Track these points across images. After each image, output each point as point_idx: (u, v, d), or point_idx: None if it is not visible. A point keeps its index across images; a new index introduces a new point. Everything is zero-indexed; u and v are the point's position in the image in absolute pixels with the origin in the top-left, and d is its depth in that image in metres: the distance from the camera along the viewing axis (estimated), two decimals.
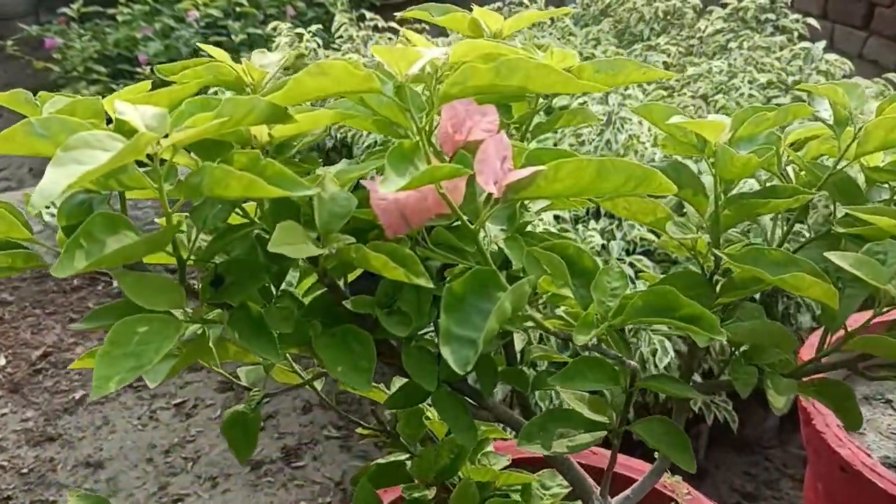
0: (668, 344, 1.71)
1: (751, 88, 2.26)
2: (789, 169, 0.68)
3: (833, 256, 0.55)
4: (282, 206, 0.53)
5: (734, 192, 0.62)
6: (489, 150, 0.50)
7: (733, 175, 0.58)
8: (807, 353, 0.79)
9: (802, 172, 0.67)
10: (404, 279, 0.49)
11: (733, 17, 2.75)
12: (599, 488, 0.66)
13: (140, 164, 0.44)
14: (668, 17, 2.90)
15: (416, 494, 0.68)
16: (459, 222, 0.51)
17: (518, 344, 0.70)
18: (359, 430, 0.76)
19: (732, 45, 2.59)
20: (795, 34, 2.69)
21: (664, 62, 2.53)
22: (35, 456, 2.13)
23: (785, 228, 0.66)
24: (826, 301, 0.55)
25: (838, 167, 0.63)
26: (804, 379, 0.63)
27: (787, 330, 0.58)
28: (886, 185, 0.65)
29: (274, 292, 0.56)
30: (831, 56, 2.37)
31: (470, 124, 0.54)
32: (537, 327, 0.54)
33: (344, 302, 0.58)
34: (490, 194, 0.51)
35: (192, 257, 0.49)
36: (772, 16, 2.76)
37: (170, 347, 0.45)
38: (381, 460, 0.71)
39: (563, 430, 0.59)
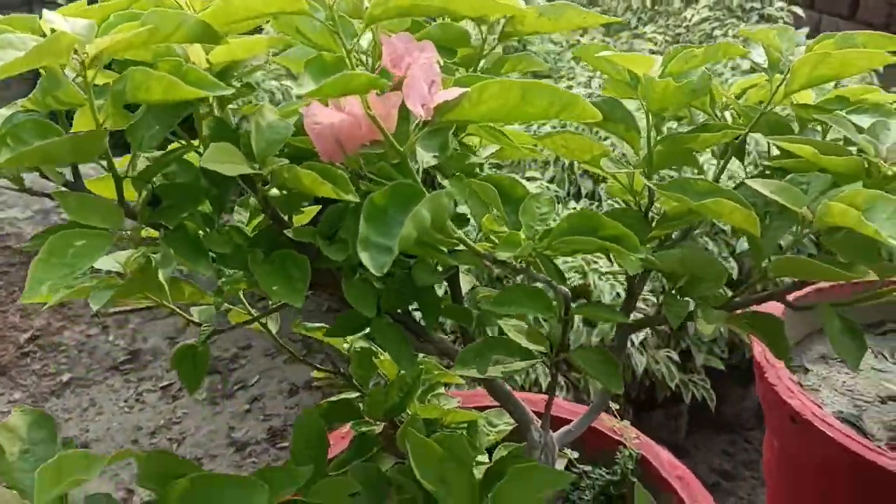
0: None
1: (733, 74, 2.28)
2: (727, 114, 0.70)
3: (754, 183, 0.56)
4: (221, 134, 0.55)
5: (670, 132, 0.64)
6: (416, 73, 0.52)
7: (659, 104, 0.59)
8: None
9: (740, 117, 0.69)
10: (332, 195, 0.50)
11: (719, 5, 2.77)
12: (540, 422, 0.67)
13: None
14: (655, 7, 2.92)
15: (364, 429, 0.69)
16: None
17: (465, 286, 0.72)
18: (314, 373, 0.78)
19: (718, 32, 2.62)
20: (780, 22, 2.71)
21: (650, 50, 2.56)
22: None
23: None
24: (747, 227, 0.57)
25: (769, 108, 0.65)
26: (737, 311, 0.65)
27: (716, 259, 0.60)
28: (819, 128, 0.67)
29: (216, 220, 0.58)
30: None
31: (409, 60, 0.55)
32: (469, 251, 0.55)
33: (286, 231, 0.59)
34: (420, 119, 0.52)
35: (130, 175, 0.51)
36: (757, 4, 2.78)
37: (101, 255, 0.47)
38: (332, 398, 0.73)
39: (499, 357, 0.61)
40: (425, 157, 0.56)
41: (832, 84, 0.70)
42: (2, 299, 2.61)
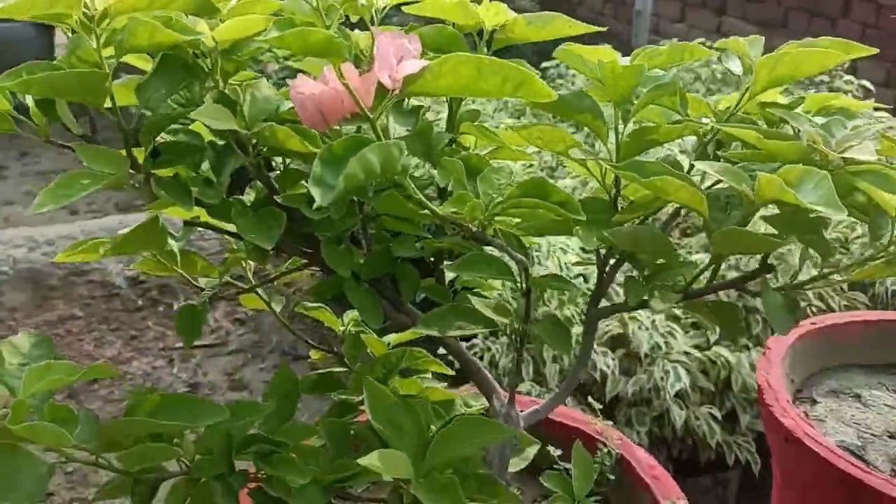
0: (681, 370, 1.72)
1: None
2: (705, 120, 0.74)
3: (701, 164, 0.60)
4: (222, 103, 0.63)
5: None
6: (384, 44, 0.58)
7: (619, 89, 0.64)
8: None
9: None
10: (302, 148, 0.57)
11: None
12: (508, 397, 0.71)
13: None
14: (724, 78, 2.96)
15: (343, 396, 0.74)
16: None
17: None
18: (311, 352, 0.83)
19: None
20: (849, 96, 2.71)
21: None
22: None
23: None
24: (694, 205, 0.60)
25: (738, 109, 0.69)
26: (698, 299, 0.68)
27: (668, 239, 0.63)
28: (788, 127, 0.70)
29: (213, 182, 0.65)
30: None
31: (400, 54, 0.62)
32: (434, 216, 0.60)
33: (276, 197, 0.66)
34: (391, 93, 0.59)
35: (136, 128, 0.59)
36: (826, 77, 2.79)
37: (96, 187, 0.54)
38: (321, 370, 0.78)
39: (462, 323, 0.65)
40: (398, 130, 0.62)
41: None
42: (80, 329, 2.77)
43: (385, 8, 0.71)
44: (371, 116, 0.59)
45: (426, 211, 0.61)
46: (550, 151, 0.71)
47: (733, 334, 0.65)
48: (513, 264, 0.65)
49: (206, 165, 0.65)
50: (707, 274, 0.66)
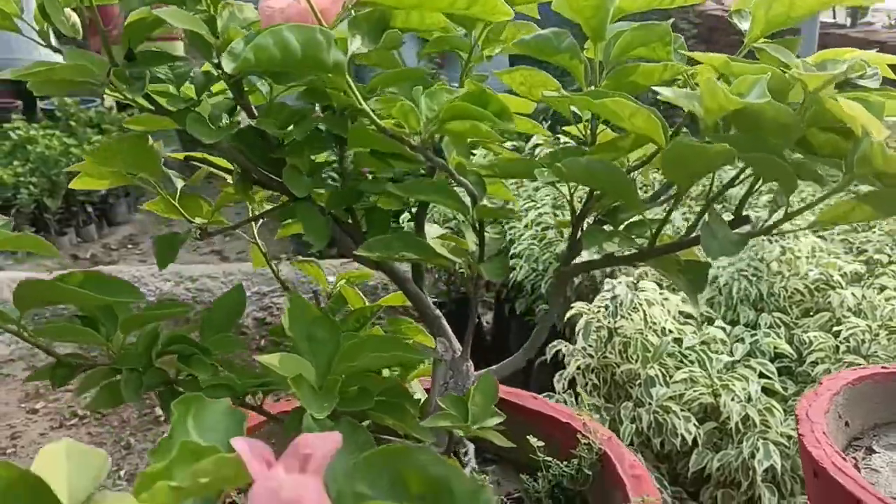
0: (772, 447, 1.55)
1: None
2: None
3: (660, 90, 0.56)
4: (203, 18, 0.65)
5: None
6: None
7: (587, 20, 0.61)
8: None
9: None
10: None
11: None
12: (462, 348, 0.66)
13: None
14: None
15: None
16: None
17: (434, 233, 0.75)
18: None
19: None
20: None
21: None
22: None
23: None
24: (649, 132, 0.55)
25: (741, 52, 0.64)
26: (670, 255, 0.61)
27: (623, 172, 0.58)
28: None
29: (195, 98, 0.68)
30: None
31: None
32: (376, 128, 0.59)
33: (251, 121, 0.68)
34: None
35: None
36: None
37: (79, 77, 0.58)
38: None
39: (406, 253, 0.62)
40: (354, 44, 0.62)
41: None
42: None
43: None
44: (326, 27, 0.59)
45: (372, 126, 0.60)
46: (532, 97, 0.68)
47: (697, 293, 0.58)
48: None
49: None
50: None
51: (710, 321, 1.88)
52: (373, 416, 0.56)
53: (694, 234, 0.60)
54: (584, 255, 0.65)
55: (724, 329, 1.83)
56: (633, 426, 1.64)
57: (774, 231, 0.55)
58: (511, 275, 2.42)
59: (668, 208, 0.60)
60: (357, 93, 0.58)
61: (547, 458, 0.76)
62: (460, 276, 2.76)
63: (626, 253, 0.63)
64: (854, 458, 0.88)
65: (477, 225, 0.63)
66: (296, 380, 0.52)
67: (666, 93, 0.55)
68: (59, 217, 3.72)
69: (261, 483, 0.34)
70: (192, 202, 0.80)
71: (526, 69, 0.67)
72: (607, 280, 1.79)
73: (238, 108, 0.71)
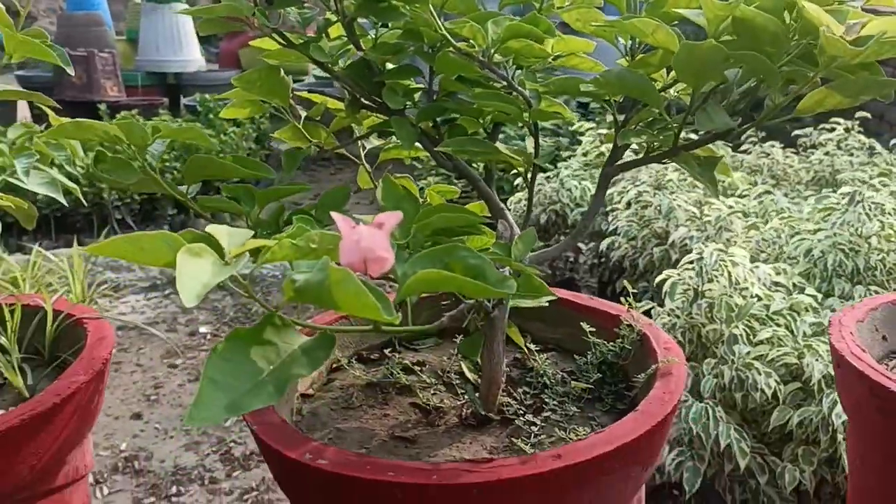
0: None
1: None
2: None
3: (679, 9, 0.69)
4: None
5: None
6: None
7: None
8: None
9: None
10: None
11: None
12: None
13: None
14: None
15: None
16: None
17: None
18: None
19: None
20: None
21: None
22: None
23: None
24: (668, 45, 0.69)
25: None
26: (689, 152, 0.75)
27: (649, 80, 0.72)
28: None
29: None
30: None
31: None
32: (447, 43, 0.76)
33: (360, 52, 0.86)
34: None
35: None
36: None
37: None
38: None
39: (475, 149, 0.79)
40: None
41: None
42: None
43: None
44: None
45: (454, 53, 0.76)
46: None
47: (713, 185, 0.71)
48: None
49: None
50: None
51: (802, 291, 1.94)
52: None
53: (706, 135, 0.73)
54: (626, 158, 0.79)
55: (814, 296, 1.88)
56: (716, 381, 1.72)
57: (757, 122, 0.68)
58: (611, 254, 2.54)
59: (685, 116, 0.73)
60: (438, 20, 0.75)
61: (596, 340, 0.90)
62: (563, 259, 2.91)
63: (655, 152, 0.77)
64: (887, 364, 0.97)
65: (532, 127, 0.78)
66: None
67: (682, 11, 0.69)
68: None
69: (347, 236, 0.51)
70: (314, 130, 0.99)
71: (581, 7, 0.82)
72: (696, 245, 1.89)
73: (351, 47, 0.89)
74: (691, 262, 1.82)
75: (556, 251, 0.83)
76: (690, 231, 2.32)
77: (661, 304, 1.87)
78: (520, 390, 0.89)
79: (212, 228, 0.53)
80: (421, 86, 0.90)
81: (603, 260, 2.68)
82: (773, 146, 3.08)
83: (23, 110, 5.42)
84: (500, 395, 0.89)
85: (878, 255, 2.01)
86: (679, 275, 1.85)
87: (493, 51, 0.74)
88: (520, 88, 0.76)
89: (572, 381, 0.89)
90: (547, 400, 0.86)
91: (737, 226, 2.29)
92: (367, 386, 0.93)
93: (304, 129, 0.97)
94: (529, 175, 0.81)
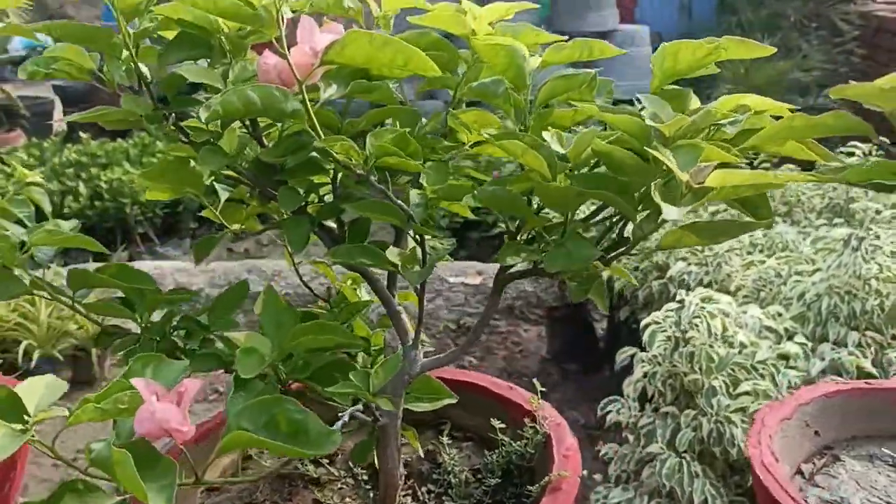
0: None
1: None
2: None
3: (547, 139, 0.68)
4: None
5: None
6: (307, 25, 0.75)
7: (503, 70, 0.74)
8: None
9: None
10: None
11: None
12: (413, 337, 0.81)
13: None
14: None
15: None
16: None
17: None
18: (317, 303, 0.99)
19: None
20: None
21: None
22: None
23: None
24: (535, 167, 0.68)
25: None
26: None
27: (519, 196, 0.70)
28: None
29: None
30: None
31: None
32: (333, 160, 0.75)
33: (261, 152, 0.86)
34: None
35: None
36: None
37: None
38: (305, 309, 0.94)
39: (364, 259, 0.78)
40: (328, 91, 0.78)
41: None
42: None
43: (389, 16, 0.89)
44: (301, 79, 0.76)
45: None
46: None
47: (584, 296, 0.70)
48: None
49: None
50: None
51: (791, 338, 1.88)
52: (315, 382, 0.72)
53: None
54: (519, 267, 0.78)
55: (803, 345, 1.83)
56: (694, 434, 1.69)
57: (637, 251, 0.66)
58: (614, 283, 2.51)
59: (563, 231, 0.71)
60: (319, 131, 0.74)
61: (503, 438, 0.89)
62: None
63: (541, 266, 0.75)
64: (814, 463, 0.94)
65: (418, 238, 0.77)
66: (244, 350, 0.69)
67: (551, 142, 0.67)
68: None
69: (144, 407, 0.51)
70: (235, 210, 0.99)
71: (478, 110, 0.80)
72: (679, 291, 1.85)
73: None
74: (671, 310, 1.78)
75: (449, 358, 0.82)
76: (690, 265, 2.28)
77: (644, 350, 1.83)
78: (424, 489, 0.88)
79: (22, 388, 0.53)
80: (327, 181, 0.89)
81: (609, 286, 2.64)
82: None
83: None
84: (406, 492, 0.88)
85: (877, 298, 1.95)
86: (661, 321, 1.81)
87: (370, 165, 0.73)
88: (399, 202, 0.75)
89: (477, 480, 0.88)
90: (447, 503, 0.85)
91: (735, 262, 2.24)
92: (278, 478, 0.93)
93: (223, 211, 0.98)
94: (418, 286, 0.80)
